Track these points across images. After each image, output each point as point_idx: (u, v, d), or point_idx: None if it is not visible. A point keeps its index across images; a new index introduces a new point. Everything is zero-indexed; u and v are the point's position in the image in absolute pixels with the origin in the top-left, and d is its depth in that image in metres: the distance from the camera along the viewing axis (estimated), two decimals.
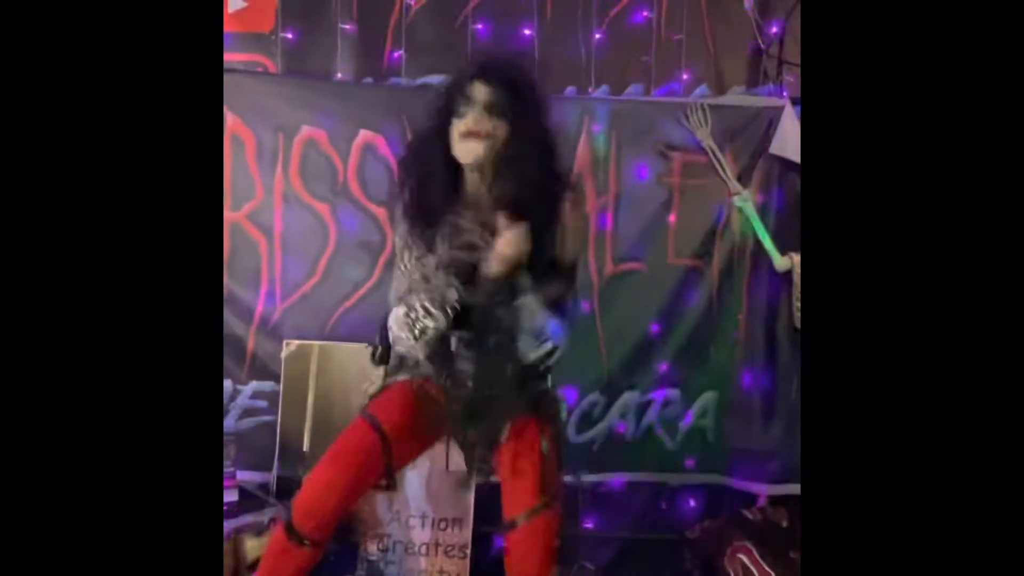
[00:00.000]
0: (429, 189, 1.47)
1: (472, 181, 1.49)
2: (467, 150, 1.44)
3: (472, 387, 1.51)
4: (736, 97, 2.43)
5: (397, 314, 1.47)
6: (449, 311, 1.42)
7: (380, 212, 2.33)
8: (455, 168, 1.47)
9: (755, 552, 2.10)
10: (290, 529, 1.46)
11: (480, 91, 1.43)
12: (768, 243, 2.38)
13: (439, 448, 1.67)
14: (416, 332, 1.44)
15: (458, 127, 1.44)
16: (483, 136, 1.43)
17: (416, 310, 1.43)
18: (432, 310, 1.42)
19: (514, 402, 1.52)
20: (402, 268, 1.51)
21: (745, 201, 2.38)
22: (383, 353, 1.64)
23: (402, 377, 1.59)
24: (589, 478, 2.42)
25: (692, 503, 2.53)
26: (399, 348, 1.50)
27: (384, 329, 1.52)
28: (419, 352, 1.50)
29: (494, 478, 1.55)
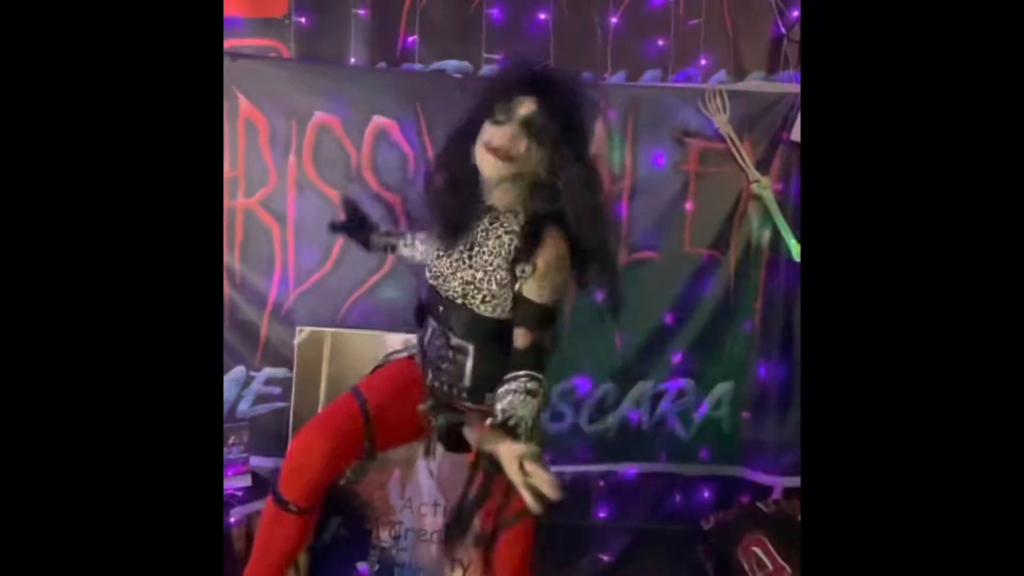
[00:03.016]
0: (453, 193, 1.45)
1: (496, 194, 1.45)
2: (488, 166, 1.38)
3: (442, 383, 1.54)
4: (755, 83, 2.38)
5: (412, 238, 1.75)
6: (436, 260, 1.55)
7: (394, 199, 2.31)
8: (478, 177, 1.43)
9: (769, 544, 2.08)
10: (276, 495, 1.51)
11: (523, 106, 1.36)
12: (786, 232, 2.34)
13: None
14: (406, 253, 1.76)
15: (484, 136, 1.38)
16: (510, 157, 1.37)
17: (422, 242, 1.66)
18: (433, 254, 1.56)
19: (474, 406, 1.54)
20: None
21: (764, 189, 2.34)
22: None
23: (403, 354, 1.64)
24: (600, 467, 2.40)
25: (706, 494, 2.51)
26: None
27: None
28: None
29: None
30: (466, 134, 1.43)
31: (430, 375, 1.57)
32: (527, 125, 1.36)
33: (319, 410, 2.27)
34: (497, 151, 1.37)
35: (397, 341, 1.80)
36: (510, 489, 1.43)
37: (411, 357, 1.64)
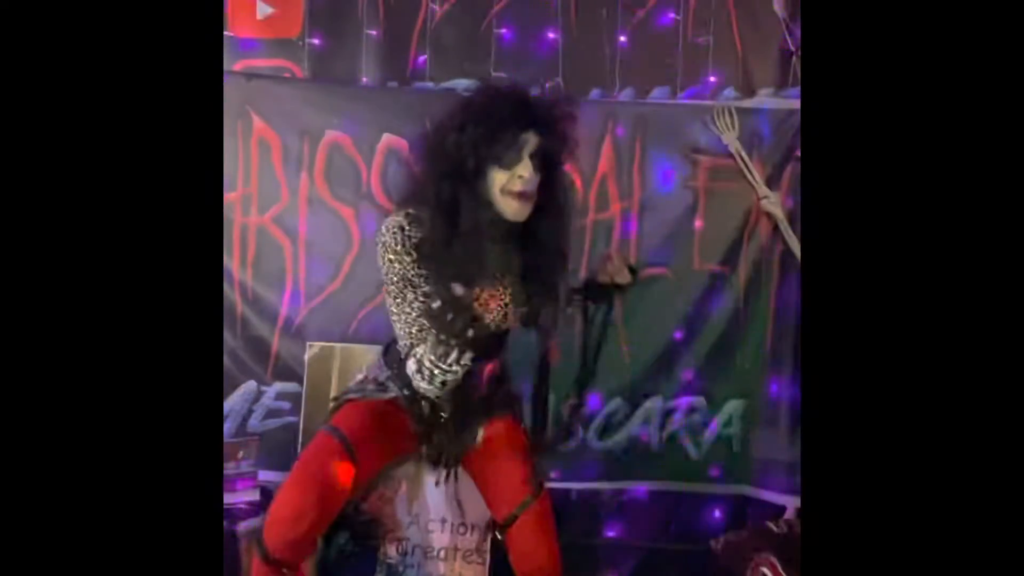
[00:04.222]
0: (455, 218, 1.40)
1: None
2: (515, 210, 1.41)
3: (443, 407, 1.51)
4: (764, 99, 2.38)
5: (411, 369, 1.42)
6: (465, 362, 1.35)
7: None
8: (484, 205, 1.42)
9: (779, 566, 2.05)
10: (267, 559, 1.41)
11: (530, 141, 1.39)
12: (797, 248, 2.33)
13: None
14: (437, 385, 1.39)
15: (503, 181, 1.39)
16: (531, 196, 1.41)
17: (427, 366, 1.36)
18: (446, 365, 1.34)
19: (486, 409, 1.55)
20: (405, 312, 1.42)
21: (774, 205, 2.33)
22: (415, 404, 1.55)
23: (360, 396, 1.55)
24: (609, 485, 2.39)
25: (716, 514, 2.48)
26: (415, 382, 1.45)
27: (403, 377, 1.48)
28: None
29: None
30: (465, 179, 1.40)
31: (438, 405, 1.53)
32: (533, 160, 1.40)
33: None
34: (522, 195, 1.40)
35: None
36: (522, 471, 1.49)
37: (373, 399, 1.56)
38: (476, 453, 1.55)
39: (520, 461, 1.53)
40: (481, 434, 1.55)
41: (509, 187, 1.39)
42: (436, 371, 1.35)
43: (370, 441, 1.47)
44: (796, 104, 2.34)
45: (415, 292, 1.40)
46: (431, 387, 1.40)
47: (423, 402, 1.51)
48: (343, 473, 1.41)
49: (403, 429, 1.54)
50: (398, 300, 1.42)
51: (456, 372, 1.36)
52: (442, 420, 1.53)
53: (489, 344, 1.50)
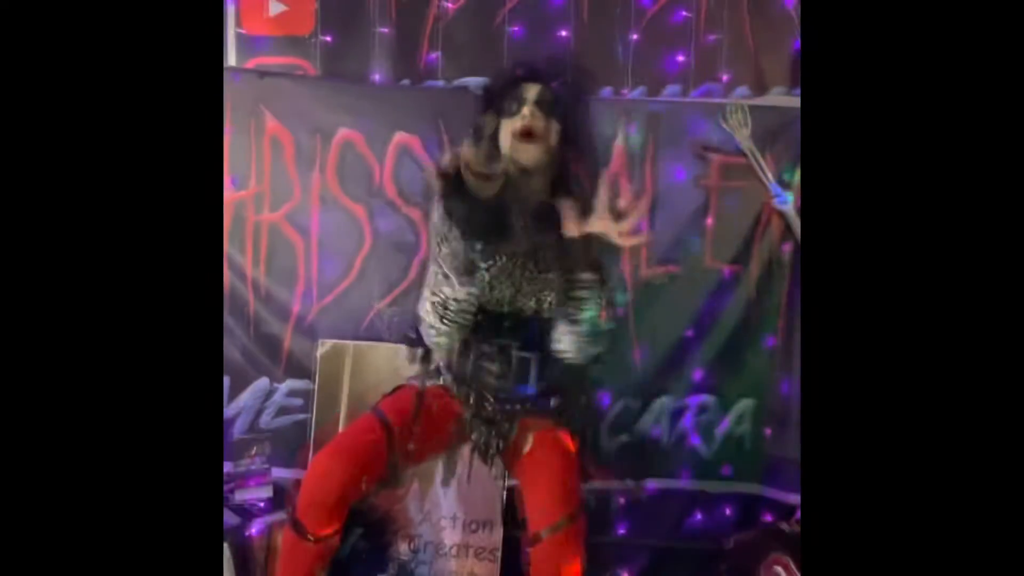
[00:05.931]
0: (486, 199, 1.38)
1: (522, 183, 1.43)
2: (524, 152, 1.40)
3: (493, 399, 1.51)
4: (776, 98, 2.38)
5: (424, 301, 1.47)
6: (470, 280, 1.39)
7: (415, 213, 2.34)
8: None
9: (792, 565, 2.05)
10: (295, 524, 1.45)
11: (531, 90, 1.42)
12: None
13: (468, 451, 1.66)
14: (440, 310, 1.42)
15: (511, 125, 1.41)
16: (540, 135, 1.40)
17: (438, 278, 1.42)
18: (449, 274, 1.40)
19: (536, 412, 1.52)
20: (437, 260, 1.46)
21: (785, 204, 2.33)
22: (423, 355, 1.63)
23: (419, 382, 1.58)
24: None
25: (728, 512, 2.48)
26: (428, 338, 1.50)
27: (417, 323, 1.52)
28: (445, 340, 1.48)
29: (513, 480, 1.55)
30: (487, 139, 1.46)
31: (484, 395, 1.54)
32: (540, 104, 1.42)
33: (340, 422, 2.29)
34: (522, 132, 1.40)
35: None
36: (560, 491, 1.45)
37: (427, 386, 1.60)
38: (525, 460, 1.53)
39: (560, 480, 1.47)
40: (531, 440, 1.52)
41: (513, 127, 1.41)
42: (440, 298, 1.41)
43: (412, 427, 1.50)
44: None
45: (440, 247, 1.44)
46: (435, 317, 1.43)
47: (470, 392, 1.53)
48: (378, 449, 1.46)
49: (451, 419, 1.55)
50: (433, 252, 1.48)
51: (456, 289, 1.40)
52: (487, 410, 1.53)
53: (530, 334, 1.50)
